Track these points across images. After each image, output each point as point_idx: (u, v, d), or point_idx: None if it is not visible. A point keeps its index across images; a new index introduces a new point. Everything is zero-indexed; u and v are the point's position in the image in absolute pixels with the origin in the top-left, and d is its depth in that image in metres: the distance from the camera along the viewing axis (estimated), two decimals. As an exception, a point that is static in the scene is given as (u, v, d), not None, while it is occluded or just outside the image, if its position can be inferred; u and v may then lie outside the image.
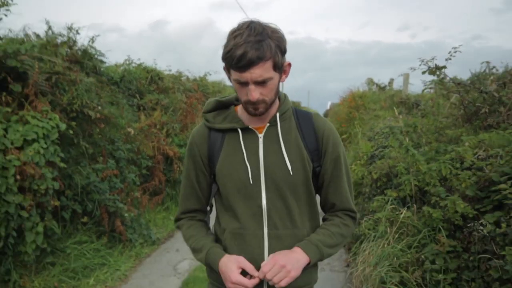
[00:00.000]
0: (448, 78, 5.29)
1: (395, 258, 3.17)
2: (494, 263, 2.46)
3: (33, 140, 3.78)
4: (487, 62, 5.52)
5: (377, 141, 6.28)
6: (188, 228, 1.67)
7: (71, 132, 4.21)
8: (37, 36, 5.51)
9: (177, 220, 1.73)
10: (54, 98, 4.37)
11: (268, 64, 1.35)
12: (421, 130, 5.12)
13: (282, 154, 1.51)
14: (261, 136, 1.54)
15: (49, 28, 5.44)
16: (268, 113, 1.53)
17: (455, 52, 5.26)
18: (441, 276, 2.78)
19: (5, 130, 3.73)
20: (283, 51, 1.41)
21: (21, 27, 5.36)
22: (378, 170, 4.83)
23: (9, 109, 3.91)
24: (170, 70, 9.92)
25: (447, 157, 3.56)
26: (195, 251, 1.61)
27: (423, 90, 6.16)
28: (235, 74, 1.38)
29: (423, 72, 5.44)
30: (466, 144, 3.87)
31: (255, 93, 1.38)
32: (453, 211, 2.93)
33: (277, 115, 1.54)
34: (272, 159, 1.52)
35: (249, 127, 1.54)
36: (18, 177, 3.53)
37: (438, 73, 5.27)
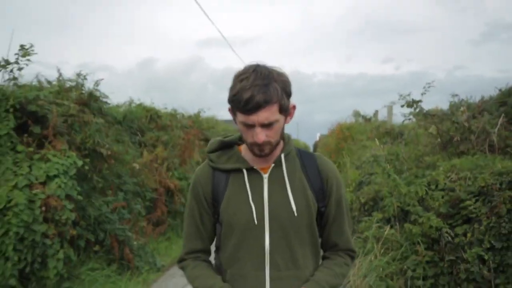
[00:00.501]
0: (424, 111, 5.87)
1: (381, 269, 3.61)
2: (462, 267, 2.91)
3: (55, 176, 4.21)
4: (456, 95, 6.12)
5: (364, 169, 6.78)
6: (194, 268, 1.63)
7: (86, 168, 4.65)
8: (49, 82, 6.00)
9: (180, 260, 1.69)
10: (69, 138, 4.83)
11: (275, 107, 1.38)
12: (403, 157, 5.64)
13: (287, 195, 1.52)
14: (266, 176, 1.55)
15: (60, 74, 5.94)
16: (273, 153, 1.54)
17: (429, 87, 5.89)
18: (420, 283, 3.22)
19: (29, 167, 4.17)
20: (289, 94, 1.44)
21: (34, 74, 5.82)
22: (365, 195, 5.31)
23: (31, 149, 4.36)
24: (166, 108, 10.46)
25: (423, 180, 4.05)
26: None
27: (403, 122, 6.74)
28: (241, 117, 1.40)
29: (402, 106, 6.03)
30: (441, 169, 4.38)
31: (261, 136, 1.40)
32: (428, 226, 3.40)
33: (282, 155, 1.56)
34: (276, 199, 1.52)
35: (254, 167, 1.55)
36: (43, 208, 3.94)
37: (415, 106, 5.87)
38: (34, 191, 3.95)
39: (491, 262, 2.67)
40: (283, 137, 1.58)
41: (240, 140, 1.62)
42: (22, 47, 4.67)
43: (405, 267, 3.47)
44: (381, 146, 5.94)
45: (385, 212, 4.41)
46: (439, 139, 5.71)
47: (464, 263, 2.91)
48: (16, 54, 4.74)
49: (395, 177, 4.24)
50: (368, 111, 14.99)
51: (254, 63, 1.44)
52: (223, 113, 16.30)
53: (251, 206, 1.50)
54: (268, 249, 1.50)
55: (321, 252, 1.68)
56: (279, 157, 1.55)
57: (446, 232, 3.21)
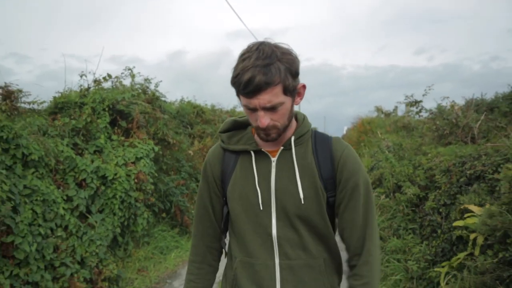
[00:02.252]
0: (424, 109, 7.22)
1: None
2: (427, 218, 4.29)
3: (141, 158, 5.78)
4: (447, 97, 7.43)
5: (375, 157, 8.15)
6: (189, 274, 1.67)
7: (160, 153, 6.22)
8: (123, 85, 7.60)
9: (190, 256, 1.69)
10: (147, 130, 6.40)
11: (278, 89, 1.28)
12: (405, 147, 7.00)
13: (295, 181, 1.43)
14: (274, 160, 1.47)
15: (133, 79, 7.53)
16: (283, 136, 1.45)
17: (429, 89, 7.21)
18: (402, 232, 4.62)
19: (123, 151, 5.75)
20: (295, 74, 1.33)
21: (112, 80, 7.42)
22: (373, 176, 6.70)
23: (122, 138, 5.94)
24: (206, 104, 12.04)
25: (412, 163, 5.42)
26: None
27: (413, 117, 8.07)
28: (243, 100, 1.33)
29: (407, 105, 7.39)
30: (429, 155, 5.73)
31: (264, 120, 1.32)
32: (410, 194, 4.80)
33: (292, 138, 1.46)
34: (283, 185, 1.44)
35: (262, 150, 1.47)
36: (135, 180, 5.51)
37: (416, 105, 7.21)
38: (129, 168, 5.52)
39: (443, 213, 4.01)
40: (297, 117, 1.52)
41: None
42: (128, 68, 6.32)
43: (394, 223, 4.88)
44: (384, 138, 7.30)
45: (385, 188, 5.81)
46: (435, 133, 7.04)
47: (429, 215, 4.29)
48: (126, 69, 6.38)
49: (392, 160, 5.63)
50: (393, 106, 16.18)
51: (261, 40, 1.35)
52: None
53: (257, 191, 1.44)
54: (276, 236, 1.44)
55: (340, 244, 1.53)
56: (289, 139, 1.46)
57: (420, 196, 4.61)
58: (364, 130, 13.38)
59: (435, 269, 3.27)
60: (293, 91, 1.35)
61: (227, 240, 1.65)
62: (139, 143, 5.93)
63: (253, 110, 1.33)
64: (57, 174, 4.70)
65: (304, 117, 1.53)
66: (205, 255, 1.65)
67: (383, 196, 5.39)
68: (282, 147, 1.46)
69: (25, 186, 3.97)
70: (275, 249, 1.44)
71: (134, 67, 7.02)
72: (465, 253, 3.10)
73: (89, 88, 6.36)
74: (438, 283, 3.15)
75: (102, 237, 4.78)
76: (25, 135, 4.29)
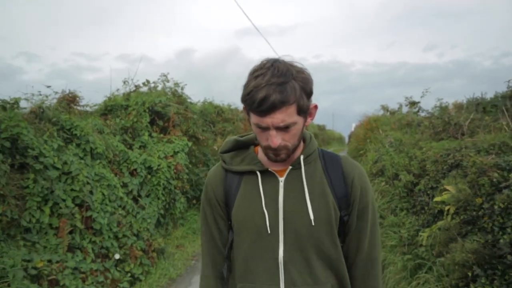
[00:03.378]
0: (422, 109, 8.17)
1: (378, 206, 6.02)
2: (418, 198, 5.28)
3: (178, 152, 6.81)
4: (441, 99, 8.37)
5: (379, 152, 9.13)
6: None
7: (194, 147, 7.25)
8: (155, 88, 8.64)
9: (202, 279, 1.57)
10: (180, 128, 7.44)
11: (292, 109, 1.23)
12: (405, 142, 7.97)
13: (305, 201, 1.36)
14: (282, 180, 1.40)
15: (164, 84, 8.57)
16: (291, 156, 1.39)
17: (426, 92, 8.15)
18: (398, 211, 5.61)
19: (163, 146, 6.78)
20: (309, 93, 1.28)
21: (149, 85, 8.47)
22: (376, 168, 7.68)
23: (161, 135, 6.98)
24: (223, 104, 13.07)
25: (408, 155, 6.40)
26: None
27: (412, 116, 9.02)
28: (255, 118, 1.27)
29: (406, 105, 8.34)
30: (424, 149, 6.69)
31: (276, 139, 1.27)
32: (406, 181, 5.77)
33: (301, 157, 1.41)
34: (293, 206, 1.37)
35: (269, 169, 1.41)
36: (174, 171, 6.54)
37: (415, 106, 8.16)
38: (168, 160, 6.56)
39: (430, 194, 4.97)
40: (304, 137, 1.47)
41: (257, 140, 1.41)
42: (163, 74, 7.40)
43: (392, 204, 5.86)
44: (387, 135, 8.27)
45: (386, 176, 6.79)
46: (432, 130, 7.99)
47: (420, 197, 5.26)
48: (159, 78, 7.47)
49: (392, 153, 6.60)
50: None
51: (274, 57, 1.29)
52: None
53: (264, 213, 1.37)
54: (282, 261, 1.36)
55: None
56: (298, 159, 1.41)
57: (414, 182, 5.59)
58: (370, 127, 14.31)
59: (420, 234, 4.24)
60: (306, 111, 1.31)
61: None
62: (175, 139, 6.96)
63: (265, 129, 1.28)
64: (114, 165, 5.74)
65: (311, 136, 1.49)
66: (217, 286, 1.55)
67: (383, 183, 6.38)
68: (290, 167, 1.41)
69: (95, 174, 5.01)
70: (280, 274, 1.37)
71: (168, 73, 8.04)
72: (442, 221, 4.07)
73: (130, 92, 7.42)
74: (422, 244, 4.13)
75: (150, 216, 5.82)
76: (91, 133, 5.33)
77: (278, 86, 1.20)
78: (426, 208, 4.88)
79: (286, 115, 1.23)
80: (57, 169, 4.41)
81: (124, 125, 6.43)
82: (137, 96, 7.13)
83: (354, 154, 15.29)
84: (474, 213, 3.49)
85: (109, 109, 6.81)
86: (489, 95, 8.66)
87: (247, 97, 1.24)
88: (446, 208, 3.99)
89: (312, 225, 1.35)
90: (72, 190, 4.49)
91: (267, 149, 1.33)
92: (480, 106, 8.43)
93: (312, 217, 1.35)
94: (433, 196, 4.90)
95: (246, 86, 1.26)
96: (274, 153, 1.32)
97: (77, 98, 6.04)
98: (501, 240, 2.89)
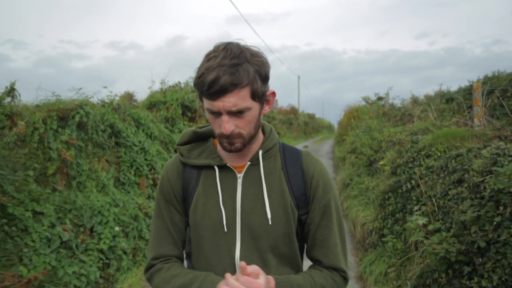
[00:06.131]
0: (387, 103, 10.64)
1: (347, 171, 8.55)
2: (375, 168, 7.78)
3: (204, 135, 9.24)
4: (410, 98, 10.85)
5: (354, 136, 11.65)
6: (168, 269, 1.37)
7: (214, 132, 9.72)
8: (178, 85, 11.02)
9: (148, 268, 1.42)
10: (205, 118, 9.86)
11: (245, 92, 1.17)
12: (373, 128, 10.47)
13: (263, 199, 1.32)
14: (240, 176, 1.34)
15: (187, 81, 10.94)
16: (249, 149, 1.35)
17: (390, 89, 10.64)
18: (363, 175, 8.12)
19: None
20: (265, 78, 1.23)
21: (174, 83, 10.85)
22: (351, 147, 10.18)
23: (190, 123, 9.40)
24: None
25: (370, 136, 8.89)
26: (184, 286, 1.28)
27: (380, 107, 11.53)
28: (207, 103, 1.20)
29: (376, 99, 10.82)
30: (384, 132, 9.19)
31: (228, 125, 1.19)
32: (368, 155, 8.28)
33: (260, 152, 1.35)
34: (250, 204, 1.32)
35: (227, 165, 1.34)
36: (203, 149, 8.97)
37: (381, 100, 10.65)
38: (198, 142, 8.98)
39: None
40: (264, 130, 1.42)
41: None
42: (191, 77, 9.77)
43: (358, 170, 8.36)
44: (363, 123, 10.80)
45: (356, 152, 9.29)
46: (394, 119, 10.49)
47: (375, 164, 7.74)
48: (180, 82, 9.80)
49: (360, 134, 9.09)
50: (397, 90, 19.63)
51: (232, 41, 1.23)
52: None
53: (221, 211, 1.31)
54: (238, 260, 1.31)
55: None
56: (257, 154, 1.35)
57: (373, 156, 8.09)
58: (352, 116, 16.81)
59: (370, 184, 6.76)
60: (262, 96, 1.24)
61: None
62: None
63: (217, 114, 1.20)
64: (163, 144, 8.17)
65: (272, 129, 1.43)
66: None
67: (353, 157, 8.87)
68: (249, 162, 1.34)
69: (156, 150, 7.43)
70: (237, 274, 1.21)
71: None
72: (382, 177, 6.57)
73: (165, 90, 9.83)
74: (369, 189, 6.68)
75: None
76: (148, 121, 7.75)
77: (229, 67, 1.13)
78: (377, 170, 7.40)
79: (238, 99, 1.16)
80: (136, 145, 6.83)
81: (166, 116, 8.84)
82: (172, 93, 9.52)
83: (338, 139, 17.82)
84: (397, 167, 6.00)
85: (152, 104, 9.20)
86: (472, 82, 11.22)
87: (198, 80, 1.17)
88: (385, 168, 6.49)
89: (269, 224, 1.30)
90: (145, 159, 6.91)
91: (221, 137, 1.25)
92: (444, 98, 10.98)
93: (269, 215, 1.30)
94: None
95: (198, 69, 1.19)
96: (228, 142, 1.24)
97: (133, 97, 8.43)
98: (401, 180, 5.39)
